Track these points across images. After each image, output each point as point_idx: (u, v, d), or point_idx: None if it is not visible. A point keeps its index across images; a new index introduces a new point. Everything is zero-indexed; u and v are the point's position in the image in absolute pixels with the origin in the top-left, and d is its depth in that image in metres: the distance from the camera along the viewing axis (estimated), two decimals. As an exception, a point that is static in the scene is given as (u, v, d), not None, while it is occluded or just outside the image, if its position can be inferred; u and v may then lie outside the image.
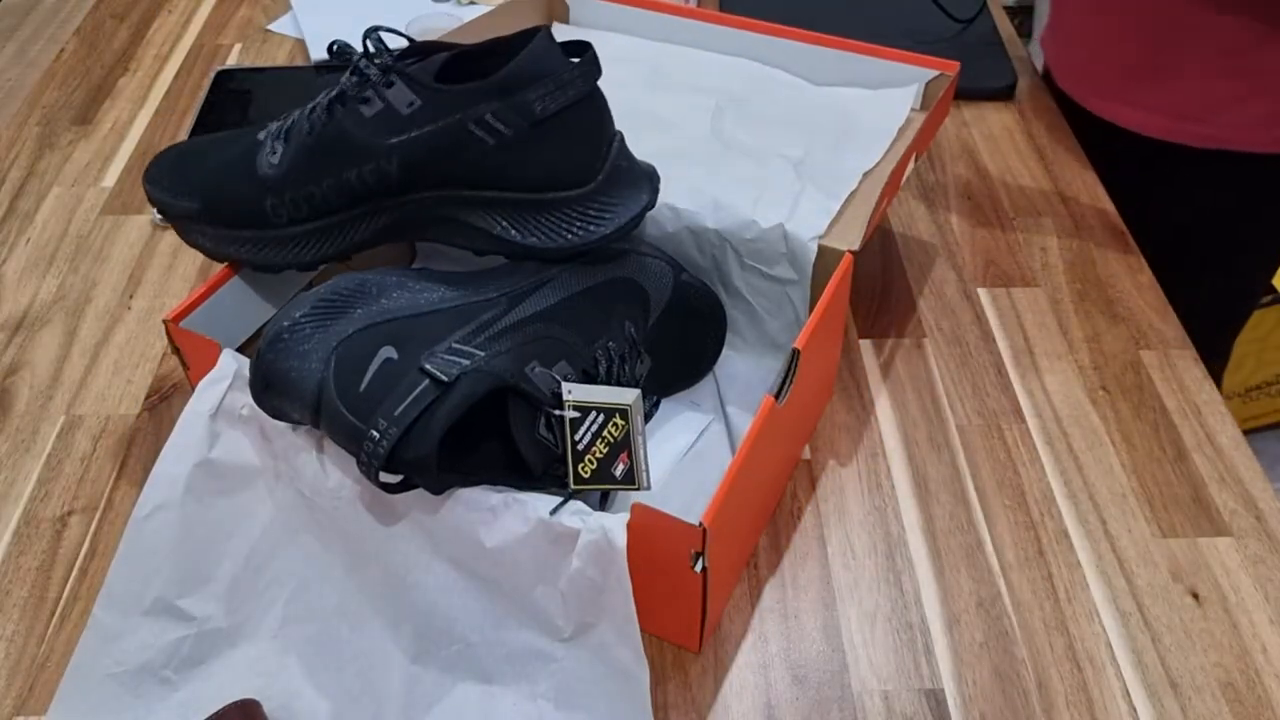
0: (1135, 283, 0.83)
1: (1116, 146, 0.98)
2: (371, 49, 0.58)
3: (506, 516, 0.53)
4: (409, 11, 1.09)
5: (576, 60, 0.58)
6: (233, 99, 1.03)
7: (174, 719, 0.56)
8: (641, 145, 0.75)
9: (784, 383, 0.57)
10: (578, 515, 0.52)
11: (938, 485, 0.68)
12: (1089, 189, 0.93)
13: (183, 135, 0.99)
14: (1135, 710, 0.56)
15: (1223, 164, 0.92)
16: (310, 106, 0.60)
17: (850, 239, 0.65)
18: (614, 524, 0.51)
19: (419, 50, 0.61)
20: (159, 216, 0.89)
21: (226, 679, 0.57)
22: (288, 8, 1.19)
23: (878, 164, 0.73)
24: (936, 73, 0.80)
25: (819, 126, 0.77)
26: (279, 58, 1.11)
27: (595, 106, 0.60)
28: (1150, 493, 0.67)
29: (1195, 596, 0.61)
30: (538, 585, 0.53)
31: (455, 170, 0.59)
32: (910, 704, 0.56)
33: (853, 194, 0.69)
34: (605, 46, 0.87)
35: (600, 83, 0.78)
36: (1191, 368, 0.75)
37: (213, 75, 1.06)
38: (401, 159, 0.58)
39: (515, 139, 0.58)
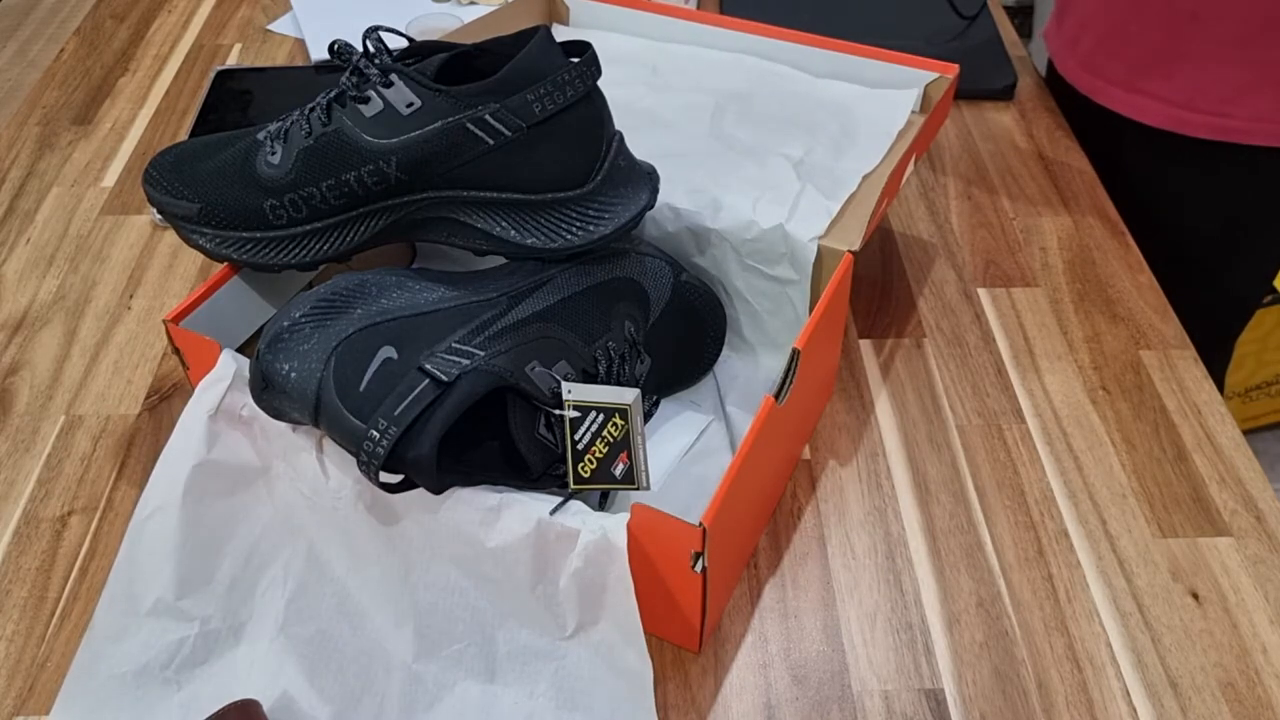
0: (1135, 283, 0.83)
1: (1122, 140, 0.98)
2: (371, 49, 0.58)
3: (507, 516, 0.53)
4: (409, 11, 1.09)
5: (576, 60, 0.58)
6: (233, 99, 1.03)
7: (176, 719, 0.56)
8: (641, 145, 0.75)
9: (784, 383, 0.57)
10: (578, 515, 0.52)
11: (938, 485, 0.68)
12: (1089, 189, 0.93)
13: (183, 135, 0.99)
14: (1135, 710, 0.56)
15: (1229, 157, 0.92)
16: (309, 107, 0.60)
17: (850, 239, 0.65)
18: (614, 524, 0.51)
19: (419, 50, 0.61)
20: (159, 216, 0.89)
21: (228, 679, 0.57)
22: (288, 8, 1.19)
23: (877, 166, 0.73)
24: (936, 75, 0.80)
25: (819, 126, 0.77)
26: (279, 58, 1.11)
27: (594, 106, 0.60)
28: (1150, 493, 0.67)
29: (1195, 596, 0.61)
30: (538, 585, 0.53)
31: (454, 171, 0.59)
32: (910, 704, 0.56)
33: (852, 195, 0.69)
34: (605, 47, 0.87)
35: (600, 83, 0.78)
36: (1191, 368, 0.75)
37: (213, 75, 1.06)
38: (400, 160, 0.58)
39: (514, 139, 0.58)
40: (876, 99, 0.80)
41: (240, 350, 0.66)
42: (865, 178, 0.71)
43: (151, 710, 0.56)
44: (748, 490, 0.57)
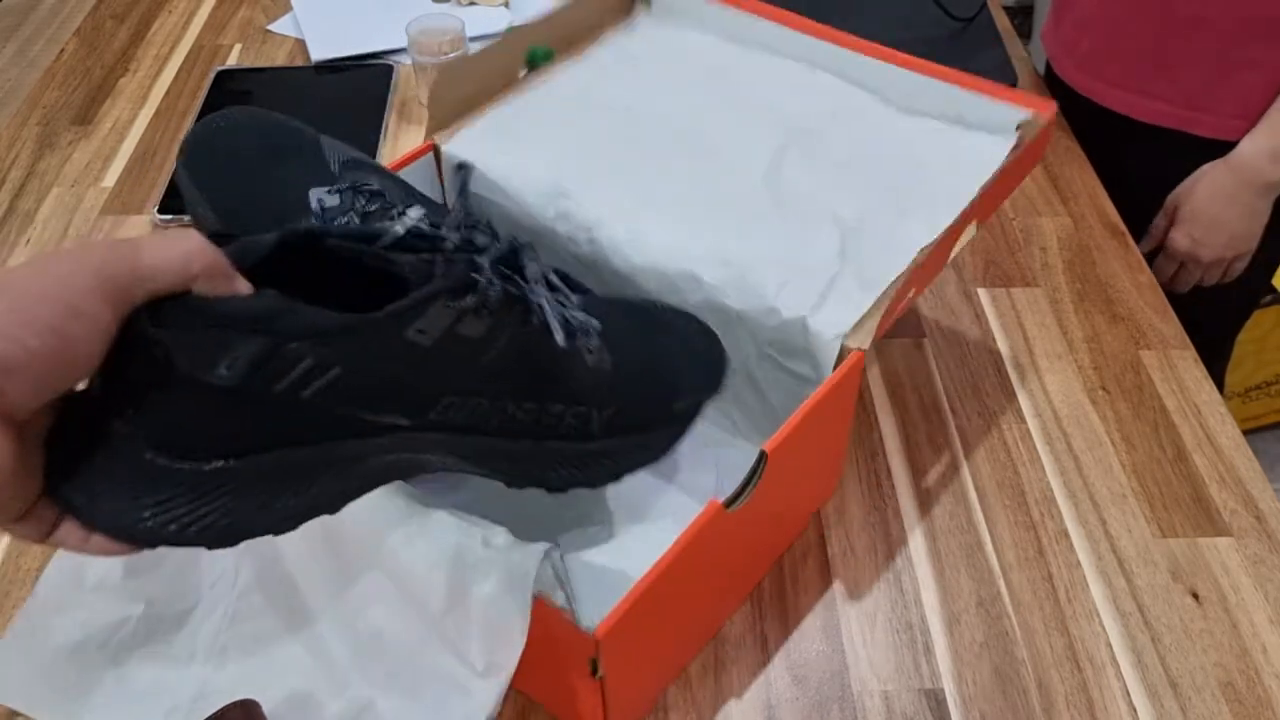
0: (1135, 283, 0.83)
1: (1122, 140, 0.98)
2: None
3: (427, 535, 0.50)
4: (409, 12, 1.09)
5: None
6: (233, 99, 1.03)
7: (109, 697, 0.55)
8: (690, 178, 0.68)
9: (743, 489, 0.51)
10: (491, 546, 0.48)
11: (938, 485, 0.68)
12: (1089, 189, 0.93)
13: (183, 136, 0.99)
14: (1135, 710, 0.56)
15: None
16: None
17: (861, 337, 0.57)
18: (529, 557, 0.47)
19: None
20: (159, 216, 0.89)
21: (165, 665, 0.57)
22: (288, 8, 1.19)
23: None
24: (1029, 113, 0.66)
25: (888, 178, 0.67)
26: (279, 58, 1.11)
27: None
28: (1150, 493, 0.67)
29: (1195, 596, 0.61)
30: (449, 614, 0.50)
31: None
32: (910, 704, 0.56)
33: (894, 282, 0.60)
34: (681, 43, 0.79)
35: (668, 87, 0.73)
36: (1191, 368, 0.75)
37: (213, 75, 1.06)
38: None
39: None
40: (963, 146, 0.68)
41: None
42: (923, 251, 0.61)
43: (84, 687, 0.55)
44: (679, 598, 0.51)
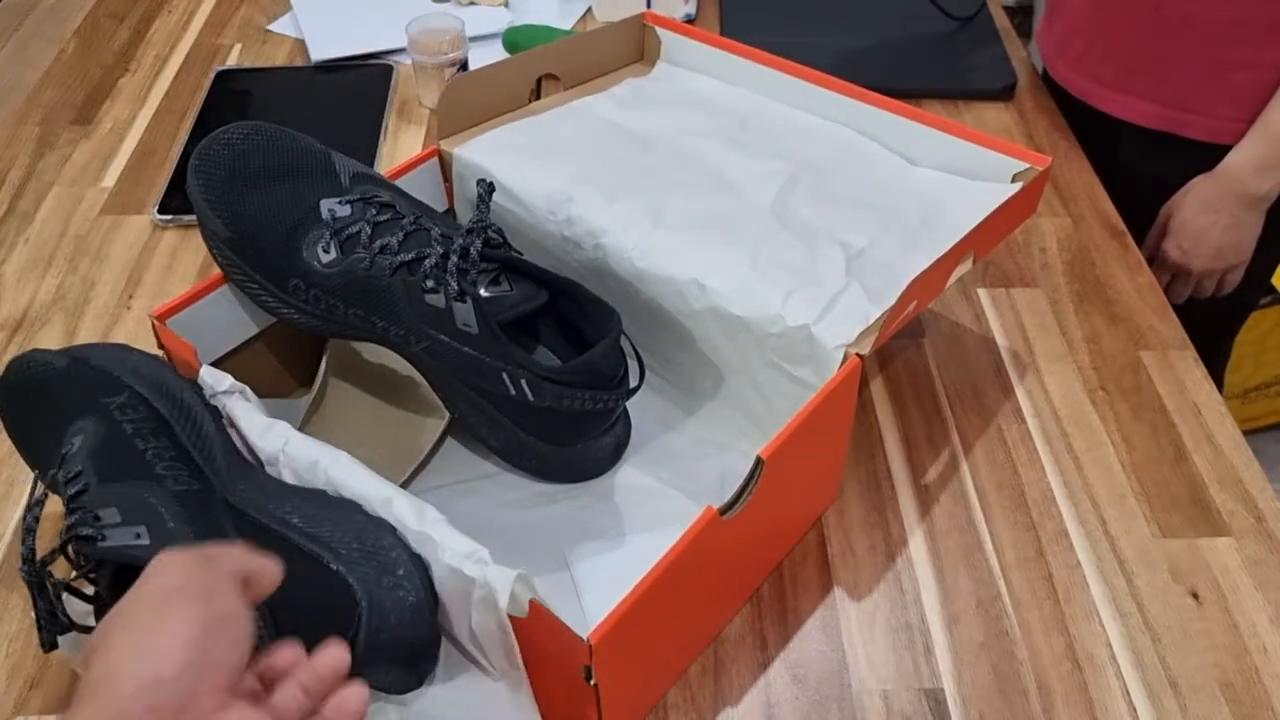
0: (1135, 283, 0.83)
1: (1118, 140, 0.98)
2: (475, 252, 0.58)
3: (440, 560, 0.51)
4: (409, 12, 1.09)
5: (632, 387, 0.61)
6: (233, 99, 1.03)
7: None
8: (696, 207, 0.69)
9: (740, 494, 0.51)
10: (480, 564, 0.49)
11: (938, 485, 0.68)
12: (1089, 189, 0.93)
13: (182, 136, 0.99)
14: (1135, 710, 0.56)
15: (1224, 158, 0.92)
16: (382, 242, 0.59)
17: (861, 345, 0.58)
18: (500, 580, 0.47)
19: (509, 263, 0.61)
20: (159, 216, 0.89)
21: None
22: (288, 8, 1.19)
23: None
24: (1025, 165, 0.69)
25: (898, 215, 0.68)
26: (279, 58, 1.11)
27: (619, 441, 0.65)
28: (1150, 493, 0.67)
29: (1195, 596, 0.61)
30: (453, 627, 0.52)
31: (473, 387, 0.60)
32: (910, 704, 0.57)
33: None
34: (697, 90, 0.82)
35: (680, 129, 0.76)
36: (1191, 368, 0.75)
37: (213, 75, 1.06)
38: (434, 352, 0.59)
39: (533, 404, 0.60)
40: (968, 190, 0.69)
41: (228, 356, 0.65)
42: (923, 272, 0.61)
43: None
44: (676, 603, 0.52)
